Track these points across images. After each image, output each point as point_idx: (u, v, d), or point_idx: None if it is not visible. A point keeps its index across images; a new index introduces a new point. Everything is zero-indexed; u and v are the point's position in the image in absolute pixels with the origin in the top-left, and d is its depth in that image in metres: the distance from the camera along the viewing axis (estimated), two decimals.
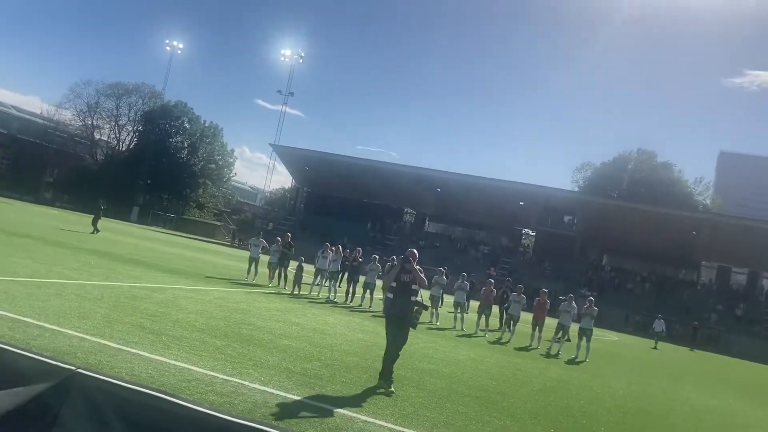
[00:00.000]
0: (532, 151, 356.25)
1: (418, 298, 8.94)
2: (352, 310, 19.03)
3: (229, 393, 6.79)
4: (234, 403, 6.47)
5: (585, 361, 17.72)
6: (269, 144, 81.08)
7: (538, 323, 19.15)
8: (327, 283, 21.24)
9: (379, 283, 20.82)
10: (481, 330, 19.68)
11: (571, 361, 17.30)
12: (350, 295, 21.04)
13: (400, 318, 8.77)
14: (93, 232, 30.68)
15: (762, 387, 23.26)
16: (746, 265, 64.86)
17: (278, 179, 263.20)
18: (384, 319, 9.22)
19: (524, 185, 69.02)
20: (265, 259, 22.99)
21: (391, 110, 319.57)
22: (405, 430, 6.79)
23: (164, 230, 69.00)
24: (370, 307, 20.04)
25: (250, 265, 22.39)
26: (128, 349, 7.91)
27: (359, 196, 75.73)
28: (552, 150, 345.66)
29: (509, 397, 9.98)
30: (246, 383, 7.40)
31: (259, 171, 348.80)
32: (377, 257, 21.59)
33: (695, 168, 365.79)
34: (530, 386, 11.59)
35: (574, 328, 19.43)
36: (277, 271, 21.93)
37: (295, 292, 20.54)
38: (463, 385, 10.16)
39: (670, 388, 15.98)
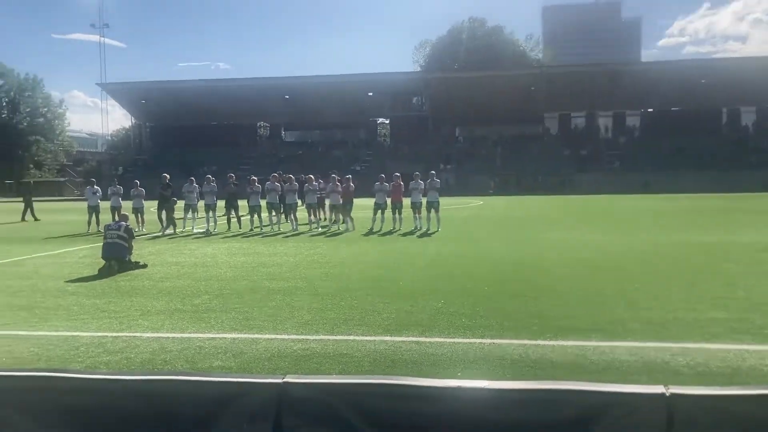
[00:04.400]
0: (371, 40, 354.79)
1: None
2: (225, 238, 18.75)
3: (122, 349, 6.60)
4: (129, 357, 6.31)
5: (437, 231, 18.74)
6: (96, 84, 74.75)
7: (396, 206, 19.89)
8: (203, 215, 20.71)
9: (263, 203, 20.60)
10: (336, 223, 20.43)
11: (424, 234, 18.24)
12: (230, 222, 20.74)
13: None
14: (35, 219, 27.21)
15: (611, 215, 25.75)
16: (583, 108, 69.71)
17: (117, 119, 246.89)
18: None
19: (369, 75, 69.18)
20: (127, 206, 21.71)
21: (213, 21, 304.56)
22: (307, 337, 6.96)
23: (4, 200, 63.45)
24: (261, 229, 20.03)
25: (90, 216, 21.28)
26: (1, 332, 7.41)
27: (207, 120, 72.80)
28: (390, 34, 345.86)
29: (398, 281, 10.41)
30: (138, 334, 7.22)
31: (95, 115, 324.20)
32: (255, 179, 21.13)
33: (524, 26, 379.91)
34: (415, 266, 12.13)
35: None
36: (161, 215, 20.72)
37: (168, 232, 19.86)
38: (353, 281, 10.46)
39: (537, 236, 17.30)
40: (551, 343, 6.57)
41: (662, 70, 64.11)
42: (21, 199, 29.16)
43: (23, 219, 27.34)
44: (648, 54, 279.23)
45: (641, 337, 6.71)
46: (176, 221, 20.36)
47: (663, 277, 10.43)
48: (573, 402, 2.90)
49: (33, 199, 28.83)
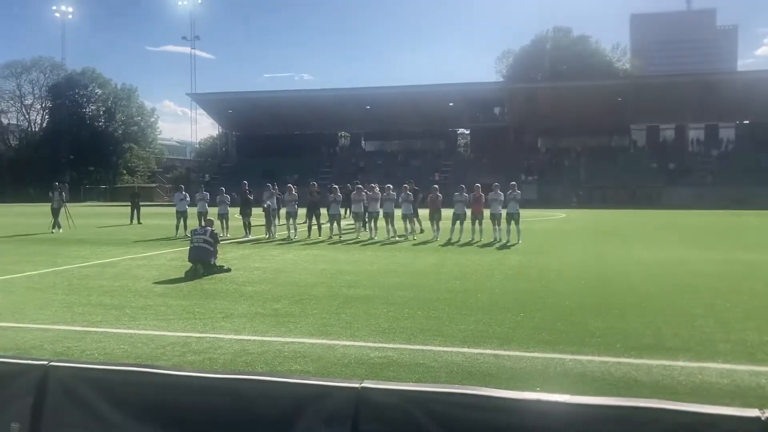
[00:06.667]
0: (452, 50, 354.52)
1: None
2: (306, 244, 19.07)
3: (206, 350, 6.82)
4: (213, 358, 6.51)
5: (518, 243, 18.34)
6: (186, 94, 78.24)
7: (477, 217, 19.68)
8: (283, 222, 21.44)
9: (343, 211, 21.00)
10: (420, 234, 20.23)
11: (503, 246, 17.91)
12: (311, 230, 21.04)
13: None
14: (138, 222, 29.22)
15: (702, 231, 24.60)
16: (672, 120, 67.05)
17: (204, 128, 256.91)
18: None
19: (450, 85, 68.93)
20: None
21: (297, 33, 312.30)
22: (384, 345, 6.98)
23: (99, 203, 66.97)
24: (340, 237, 20.22)
25: (178, 221, 22.08)
26: (94, 329, 7.82)
27: (290, 129, 74.50)
28: (471, 45, 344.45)
29: (476, 292, 10.31)
30: (221, 336, 7.44)
31: (184, 124, 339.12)
32: (337, 188, 21.55)
33: (610, 35, 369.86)
34: (493, 279, 11.98)
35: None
36: (243, 221, 21.74)
37: (267, 236, 20.64)
38: (430, 291, 10.44)
39: (622, 251, 16.74)
40: (635, 361, 6.34)
41: (760, 79, 60.79)
42: (129, 203, 32.24)
43: (136, 222, 29.22)
44: (744, 64, 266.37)
45: (733, 359, 6.37)
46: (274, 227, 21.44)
47: (757, 297, 9.88)
48: (659, 421, 2.79)
49: (141, 203, 31.24)
